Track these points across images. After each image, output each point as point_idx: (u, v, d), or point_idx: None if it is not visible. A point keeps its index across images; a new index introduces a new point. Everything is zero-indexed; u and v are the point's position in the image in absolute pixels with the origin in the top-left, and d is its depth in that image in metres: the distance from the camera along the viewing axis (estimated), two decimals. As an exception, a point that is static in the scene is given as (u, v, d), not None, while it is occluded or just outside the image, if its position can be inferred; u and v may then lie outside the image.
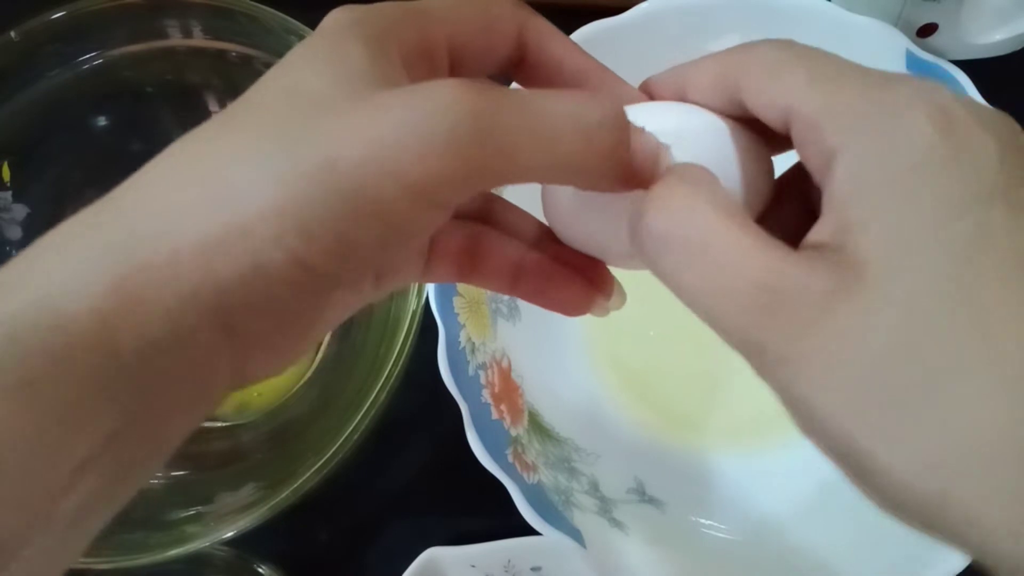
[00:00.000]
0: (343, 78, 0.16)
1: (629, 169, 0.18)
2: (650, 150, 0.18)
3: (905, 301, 0.15)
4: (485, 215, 0.23)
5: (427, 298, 0.36)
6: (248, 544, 0.38)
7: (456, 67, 0.20)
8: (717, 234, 0.16)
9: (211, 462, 0.41)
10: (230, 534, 0.35)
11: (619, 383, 0.43)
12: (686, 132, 0.19)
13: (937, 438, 0.14)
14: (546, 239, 0.22)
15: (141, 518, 0.37)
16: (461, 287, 0.37)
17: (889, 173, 0.16)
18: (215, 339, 0.16)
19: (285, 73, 0.17)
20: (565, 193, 0.21)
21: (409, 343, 0.37)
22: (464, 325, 0.37)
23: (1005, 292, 0.15)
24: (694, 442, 0.42)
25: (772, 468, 0.41)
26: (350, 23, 0.18)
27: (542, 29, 0.21)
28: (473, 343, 0.37)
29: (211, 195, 0.15)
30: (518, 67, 0.21)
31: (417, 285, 0.37)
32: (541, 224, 0.23)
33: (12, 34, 0.38)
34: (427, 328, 0.36)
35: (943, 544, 0.15)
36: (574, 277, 0.22)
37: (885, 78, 0.17)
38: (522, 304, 0.42)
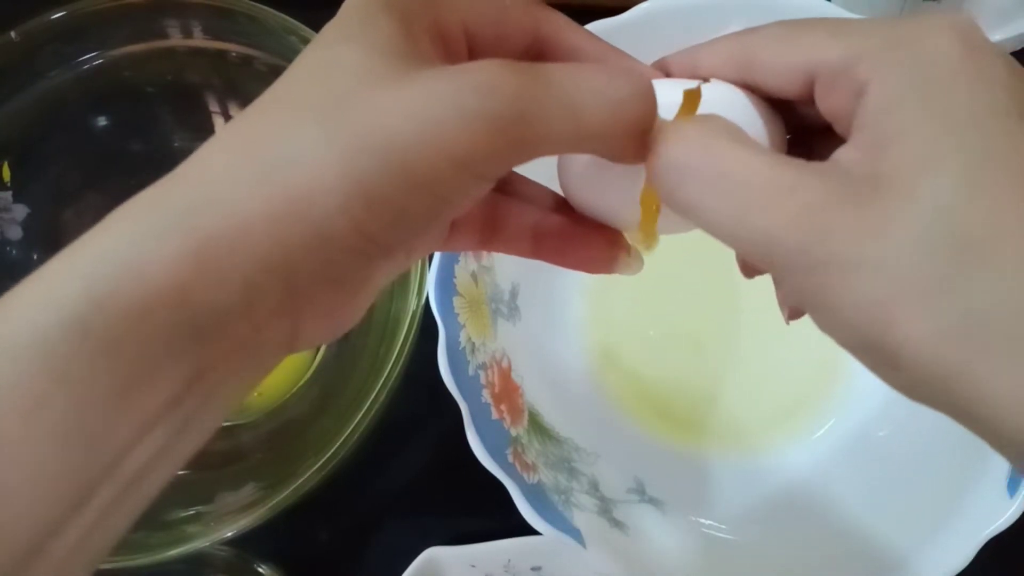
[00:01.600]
0: (383, 53, 0.17)
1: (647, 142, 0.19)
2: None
3: (939, 196, 0.16)
4: (502, 186, 0.23)
5: (427, 298, 0.36)
6: (248, 544, 0.38)
7: (472, 55, 0.20)
8: (738, 156, 0.17)
9: (211, 462, 0.41)
10: (230, 534, 0.35)
11: (619, 383, 0.43)
12: (706, 102, 0.20)
13: (963, 313, 0.15)
14: (562, 207, 0.23)
15: (141, 518, 0.37)
16: (461, 287, 0.37)
17: (920, 90, 0.17)
18: (281, 304, 0.17)
19: (325, 48, 0.18)
20: (583, 163, 0.21)
21: (409, 343, 0.37)
22: (464, 325, 0.37)
23: None
24: (694, 442, 0.42)
25: (772, 468, 0.41)
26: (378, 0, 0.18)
27: (558, 21, 0.21)
28: (473, 343, 0.37)
29: (274, 166, 0.16)
30: (537, 60, 0.21)
31: (417, 285, 0.37)
32: (556, 195, 0.23)
33: (12, 34, 0.38)
34: (427, 328, 0.36)
35: (957, 419, 0.17)
36: (595, 235, 0.23)
37: (903, 18, 0.18)
38: (522, 304, 0.42)
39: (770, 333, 0.43)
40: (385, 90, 0.16)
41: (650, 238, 0.22)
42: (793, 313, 0.21)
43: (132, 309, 0.15)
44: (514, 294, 0.41)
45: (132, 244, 0.16)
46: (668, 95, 0.20)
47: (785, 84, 0.20)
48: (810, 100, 0.20)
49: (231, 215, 0.16)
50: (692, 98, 0.20)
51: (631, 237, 0.23)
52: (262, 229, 0.16)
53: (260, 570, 0.39)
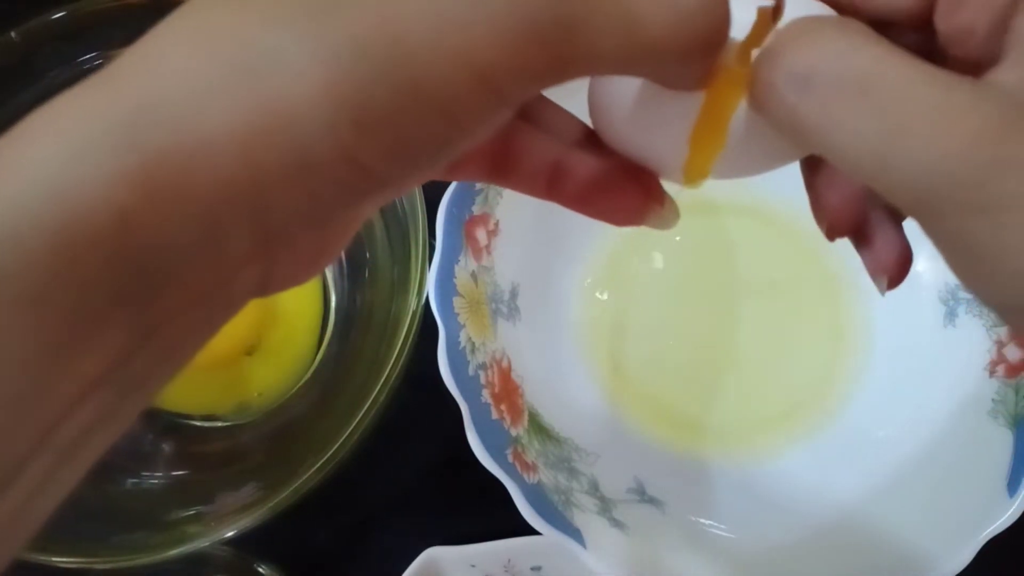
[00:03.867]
0: None
1: (712, 63, 0.16)
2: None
3: None
4: (523, 111, 0.20)
5: (427, 298, 0.36)
6: (248, 544, 0.38)
7: None
8: (894, 64, 0.14)
9: (211, 462, 0.41)
10: (230, 534, 0.35)
11: (619, 383, 0.43)
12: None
13: None
14: (589, 142, 0.19)
15: (141, 518, 0.37)
16: (461, 287, 0.37)
17: None
18: (250, 242, 0.14)
19: None
20: (622, 89, 0.18)
21: (409, 343, 0.37)
22: (464, 325, 0.37)
23: None
24: (694, 442, 0.42)
25: (772, 468, 0.41)
26: None
27: None
28: (473, 343, 0.37)
29: (246, 69, 0.12)
30: None
31: (417, 285, 0.37)
32: (585, 126, 0.20)
33: (12, 34, 0.38)
34: (427, 328, 0.36)
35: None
36: (627, 181, 0.19)
37: None
38: (522, 304, 0.42)
39: (771, 333, 0.43)
40: None
41: (697, 179, 0.19)
42: (894, 280, 0.19)
43: (61, 249, 0.12)
44: (514, 294, 0.41)
45: (60, 164, 0.12)
46: (740, 12, 0.16)
47: (897, 2, 0.17)
48: (921, 21, 0.17)
49: (190, 128, 0.12)
50: (767, 18, 0.17)
51: (673, 178, 0.19)
52: (229, 149, 0.12)
53: (260, 570, 0.39)
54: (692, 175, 0.19)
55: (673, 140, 0.18)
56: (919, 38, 0.17)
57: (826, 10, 0.17)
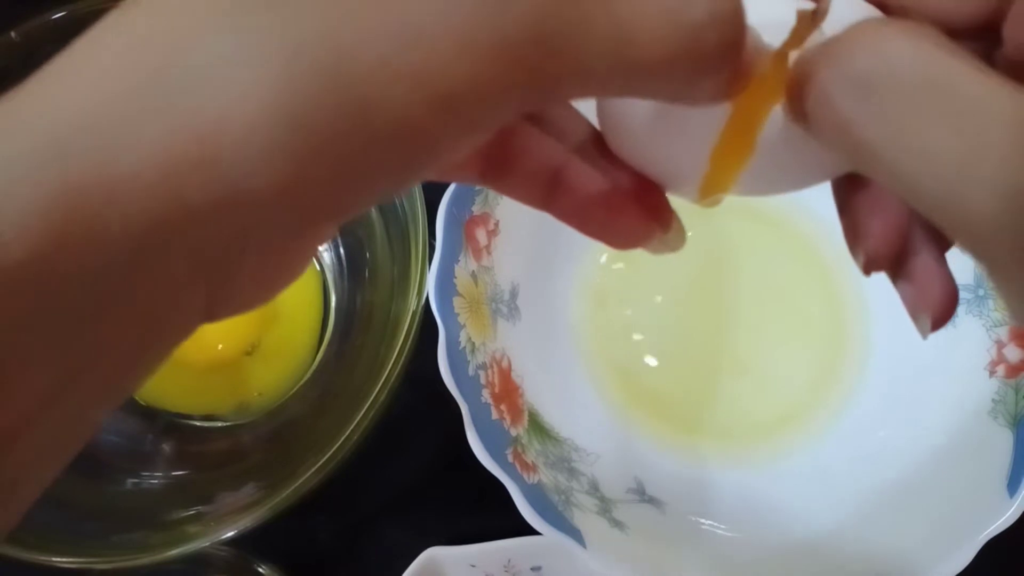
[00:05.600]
0: None
1: (738, 76, 0.14)
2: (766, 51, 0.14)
3: None
4: None
5: (427, 298, 0.36)
6: (248, 544, 0.38)
7: None
8: (965, 75, 0.12)
9: (211, 462, 0.41)
10: (230, 534, 0.35)
11: (619, 383, 0.43)
12: (831, 28, 0.15)
13: None
14: (594, 146, 0.18)
15: (141, 518, 0.37)
16: (461, 287, 0.37)
17: None
18: (186, 272, 0.12)
19: None
20: (635, 100, 0.16)
21: (409, 343, 0.37)
22: (464, 325, 0.37)
23: None
24: (694, 442, 0.42)
25: (772, 468, 0.41)
26: None
27: None
28: (473, 343, 0.37)
29: (173, 86, 0.11)
30: None
31: (417, 285, 0.37)
32: (593, 128, 0.18)
33: (12, 34, 0.38)
34: (427, 328, 0.36)
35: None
36: (626, 199, 0.17)
37: None
38: (522, 304, 0.42)
39: (771, 333, 0.43)
40: None
41: (714, 197, 0.17)
42: (939, 320, 0.17)
43: None
44: (514, 294, 0.41)
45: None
46: (773, 12, 0.14)
47: (958, 5, 0.15)
48: (983, 29, 0.15)
49: (109, 159, 0.11)
50: (808, 21, 0.15)
51: (686, 193, 0.18)
52: (152, 183, 0.11)
53: (260, 570, 0.39)
54: (710, 192, 0.17)
55: (692, 152, 0.16)
56: (977, 47, 0.15)
57: (874, 12, 0.16)
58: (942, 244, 0.18)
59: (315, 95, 0.11)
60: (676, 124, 0.16)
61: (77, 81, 0.12)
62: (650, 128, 0.16)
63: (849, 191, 0.18)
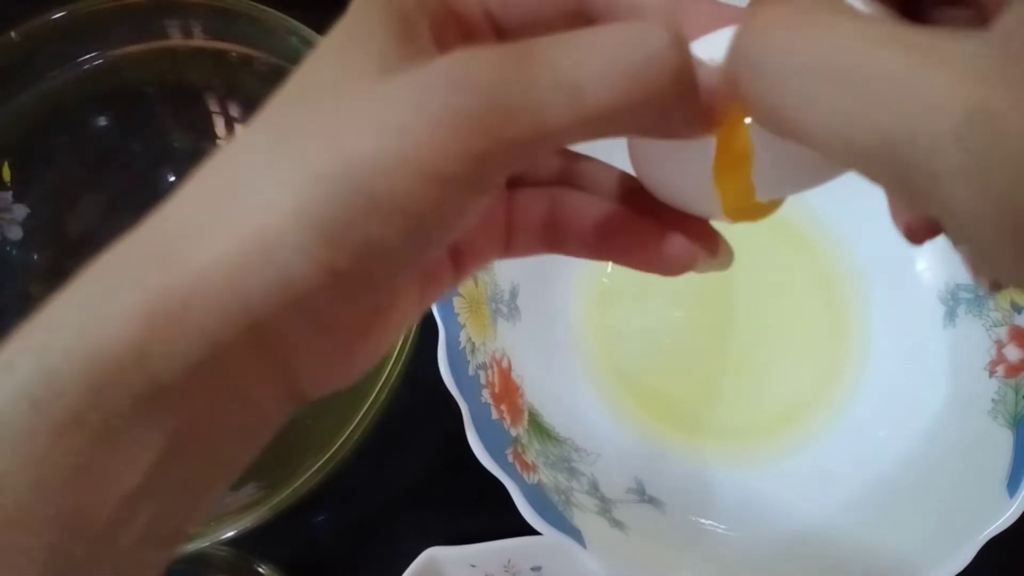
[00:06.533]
0: (359, 61, 0.15)
1: (699, 107, 0.15)
2: (721, 78, 0.15)
3: None
4: (566, 176, 0.20)
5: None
6: (248, 544, 0.38)
7: (505, 34, 0.18)
8: (841, 32, 0.13)
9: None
10: (230, 534, 0.35)
11: (619, 383, 0.43)
12: None
13: None
14: (635, 193, 0.19)
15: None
16: (461, 287, 0.37)
17: None
18: (253, 357, 0.15)
19: (306, 62, 0.16)
20: (647, 141, 0.18)
21: (409, 343, 0.37)
22: (464, 325, 0.37)
23: None
24: (694, 442, 0.42)
25: (772, 468, 0.41)
26: None
27: None
28: (473, 343, 0.37)
29: (231, 209, 0.15)
30: (574, 21, 0.18)
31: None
32: (627, 176, 0.20)
33: (12, 34, 0.38)
34: (427, 328, 0.36)
35: None
36: (666, 231, 0.19)
37: None
38: (522, 304, 0.42)
39: (771, 333, 0.43)
40: (345, 105, 0.14)
41: (742, 216, 0.18)
42: (995, 284, 0.17)
43: (85, 378, 0.14)
44: (514, 294, 0.41)
45: (84, 306, 0.14)
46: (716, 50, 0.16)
47: None
48: None
49: (188, 269, 0.14)
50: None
51: (719, 218, 0.19)
52: (218, 281, 0.14)
53: (260, 570, 0.39)
54: (734, 210, 0.18)
55: (697, 178, 0.17)
56: None
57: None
58: None
59: (328, 194, 0.14)
60: (681, 161, 0.17)
61: (168, 213, 0.15)
62: (665, 168, 0.18)
63: None
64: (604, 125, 0.15)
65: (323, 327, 0.16)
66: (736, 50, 0.15)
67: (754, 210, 0.18)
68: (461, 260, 0.20)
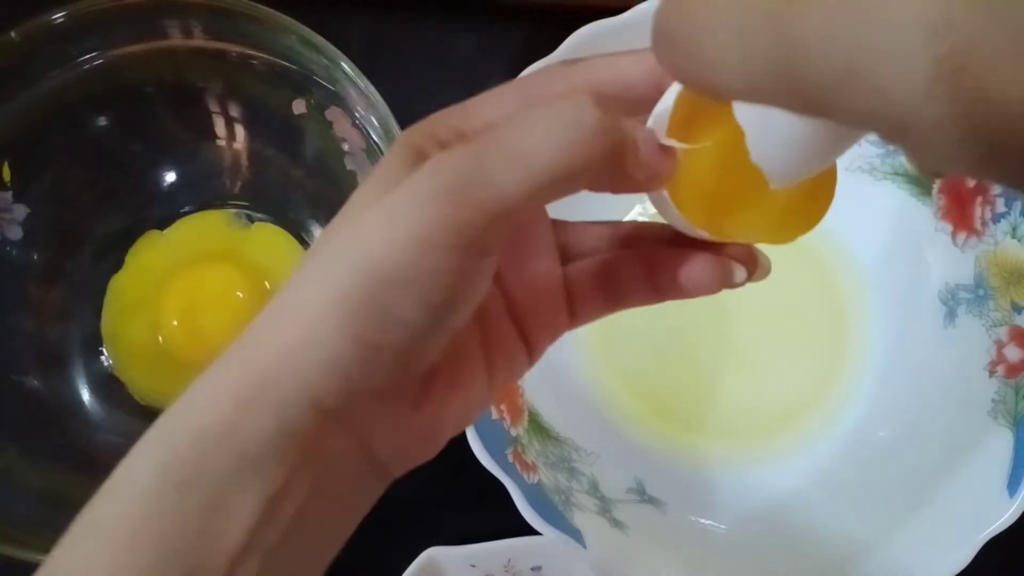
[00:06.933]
0: (381, 185, 0.19)
1: (639, 161, 0.19)
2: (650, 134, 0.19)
3: None
4: (613, 240, 0.23)
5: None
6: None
7: None
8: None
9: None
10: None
11: (619, 383, 0.43)
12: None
13: None
14: (678, 235, 0.22)
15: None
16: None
17: None
18: (325, 430, 0.18)
19: (348, 200, 0.19)
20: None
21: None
22: (464, 325, 0.37)
23: None
24: (694, 442, 0.42)
25: (772, 468, 0.41)
26: (404, 134, 0.20)
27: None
28: (473, 343, 0.37)
29: (291, 308, 0.18)
30: None
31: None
32: (665, 226, 0.22)
33: (12, 34, 0.38)
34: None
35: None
36: (698, 255, 0.22)
37: None
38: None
39: (771, 333, 0.43)
40: (368, 211, 0.18)
41: (771, 235, 0.21)
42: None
43: (194, 448, 0.17)
44: (514, 294, 0.41)
45: (196, 392, 0.18)
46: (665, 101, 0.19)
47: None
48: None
49: (260, 356, 0.18)
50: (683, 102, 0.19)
51: (763, 241, 0.21)
52: (282, 363, 0.17)
53: (260, 570, 0.39)
54: (762, 236, 0.20)
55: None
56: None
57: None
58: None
59: (352, 279, 0.17)
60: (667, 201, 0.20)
61: (250, 336, 0.18)
62: (665, 208, 0.20)
63: None
64: (558, 187, 0.17)
65: (377, 397, 0.18)
66: (653, 32, 0.16)
67: (769, 227, 0.20)
68: (530, 337, 0.23)
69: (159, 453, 0.17)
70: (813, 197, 0.21)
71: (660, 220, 0.22)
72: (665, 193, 0.20)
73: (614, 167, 0.18)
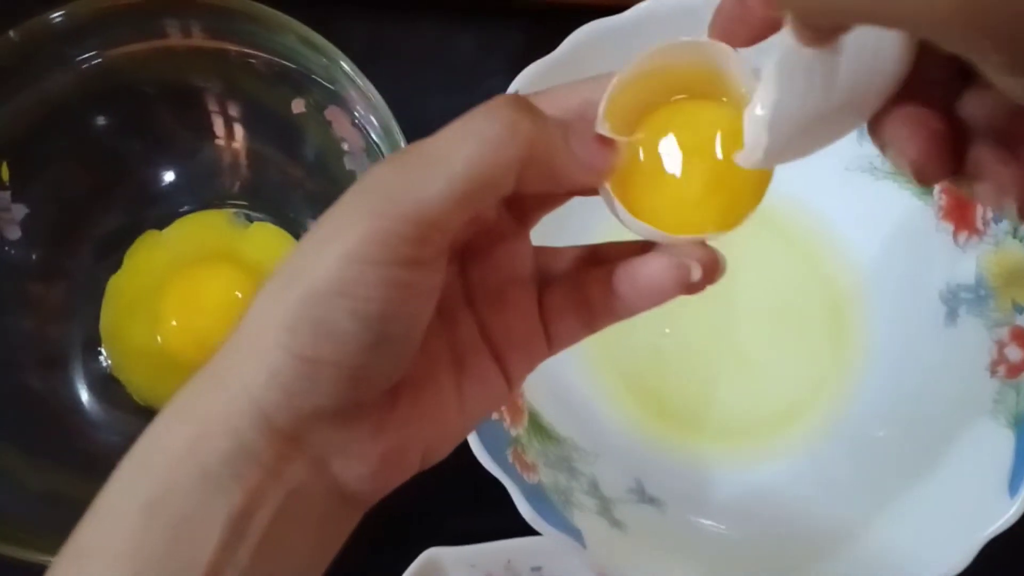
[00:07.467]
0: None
1: (569, 155, 0.20)
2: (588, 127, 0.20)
3: None
4: (582, 263, 0.24)
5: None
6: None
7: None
8: None
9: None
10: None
11: (619, 383, 0.43)
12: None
13: None
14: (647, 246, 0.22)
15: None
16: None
17: None
18: (274, 446, 0.19)
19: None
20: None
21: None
22: (464, 325, 0.37)
23: None
24: (694, 442, 0.42)
25: (771, 468, 0.41)
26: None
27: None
28: (473, 343, 0.37)
29: (255, 333, 0.19)
30: None
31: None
32: (638, 244, 0.23)
33: (12, 34, 0.38)
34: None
35: None
36: (641, 261, 0.22)
37: None
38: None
39: (771, 332, 0.43)
40: (311, 233, 0.19)
41: (684, 228, 0.21)
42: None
43: (161, 468, 0.18)
44: (514, 294, 0.41)
45: (161, 421, 0.19)
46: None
47: None
48: None
49: (219, 379, 0.19)
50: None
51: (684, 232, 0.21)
52: (240, 387, 0.18)
53: (260, 570, 0.39)
54: (707, 224, 0.21)
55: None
56: None
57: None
58: (1010, 139, 0.19)
59: (293, 296, 0.18)
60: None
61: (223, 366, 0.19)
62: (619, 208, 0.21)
63: (876, 124, 0.20)
64: (484, 191, 0.18)
65: (330, 419, 0.19)
66: None
67: (694, 217, 0.21)
68: (507, 364, 0.23)
69: (130, 474, 0.19)
70: (752, 183, 0.21)
71: (634, 237, 0.22)
72: (607, 186, 0.20)
73: (545, 164, 0.19)
